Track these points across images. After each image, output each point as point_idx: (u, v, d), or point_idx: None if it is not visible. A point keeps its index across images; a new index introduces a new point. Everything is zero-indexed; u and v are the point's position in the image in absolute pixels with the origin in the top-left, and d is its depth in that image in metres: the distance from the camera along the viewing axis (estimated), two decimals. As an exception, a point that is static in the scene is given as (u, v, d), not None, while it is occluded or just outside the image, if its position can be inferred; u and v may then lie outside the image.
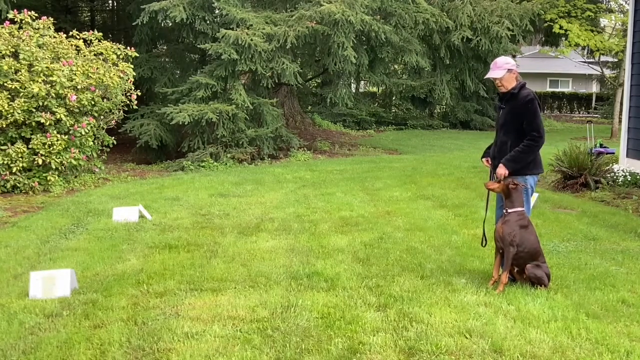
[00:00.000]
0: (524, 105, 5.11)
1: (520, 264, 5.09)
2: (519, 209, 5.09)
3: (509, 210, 5.08)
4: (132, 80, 11.73)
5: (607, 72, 29.71)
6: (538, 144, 5.12)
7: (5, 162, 9.69)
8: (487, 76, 5.29)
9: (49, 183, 10.03)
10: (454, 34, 18.48)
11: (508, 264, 5.03)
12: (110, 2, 25.47)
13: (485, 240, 5.49)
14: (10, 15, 10.70)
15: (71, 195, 9.79)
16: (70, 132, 10.22)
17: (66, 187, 10.37)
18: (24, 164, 9.85)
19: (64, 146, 10.09)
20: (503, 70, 5.16)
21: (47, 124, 9.92)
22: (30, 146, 9.93)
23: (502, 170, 5.17)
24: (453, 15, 18.35)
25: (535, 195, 8.94)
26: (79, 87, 10.29)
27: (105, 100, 11.04)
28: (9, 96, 9.88)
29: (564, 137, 20.62)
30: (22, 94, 9.86)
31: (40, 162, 9.87)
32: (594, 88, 43.13)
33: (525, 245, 5.04)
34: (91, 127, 10.63)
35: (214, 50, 13.67)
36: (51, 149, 9.94)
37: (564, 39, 24.77)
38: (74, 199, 9.35)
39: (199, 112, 13.32)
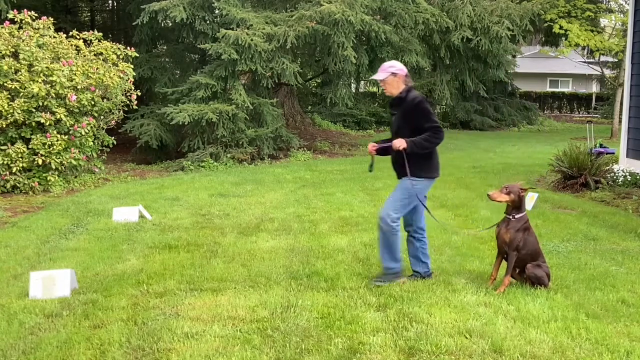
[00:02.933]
0: (413, 107, 5.04)
1: (521, 265, 5.09)
2: (523, 213, 5.09)
3: (516, 216, 5.06)
4: (132, 80, 11.73)
5: (607, 72, 29.69)
6: (439, 137, 4.97)
7: (5, 162, 9.69)
8: (371, 77, 5.25)
9: (49, 183, 10.02)
10: (454, 34, 18.45)
11: (510, 266, 5.03)
12: (110, 2, 25.47)
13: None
14: (10, 15, 10.70)
15: (71, 195, 9.79)
16: (70, 132, 10.22)
17: (66, 187, 10.36)
18: (24, 164, 9.85)
19: (64, 146, 10.08)
20: (386, 73, 5.10)
21: (47, 124, 9.92)
22: (30, 146, 9.92)
23: (402, 143, 4.97)
24: (453, 15, 18.33)
25: (535, 195, 8.94)
26: (79, 87, 10.29)
27: (105, 100, 11.04)
28: (9, 96, 9.88)
29: (564, 137, 20.62)
30: (22, 94, 9.86)
31: (40, 162, 9.87)
32: (594, 88, 43.09)
33: (528, 248, 5.04)
34: (91, 127, 10.63)
35: (214, 50, 13.67)
36: (51, 149, 9.94)
37: (564, 39, 24.74)
38: (74, 199, 9.35)
39: (199, 112, 13.31)
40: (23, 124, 10.01)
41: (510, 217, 5.08)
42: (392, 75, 5.10)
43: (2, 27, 10.52)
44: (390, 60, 5.37)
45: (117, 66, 11.34)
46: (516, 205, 5.08)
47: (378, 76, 5.17)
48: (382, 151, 5.36)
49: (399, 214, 5.11)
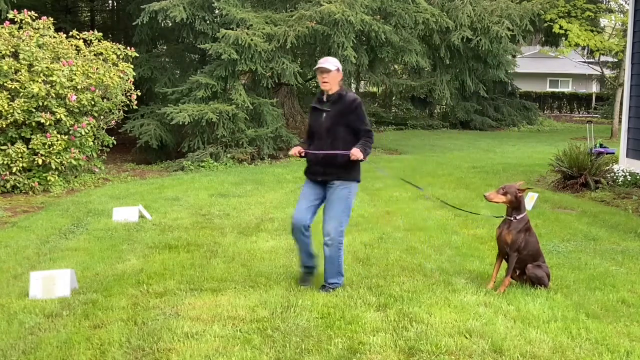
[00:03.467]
0: (354, 108, 5.04)
1: (522, 266, 5.09)
2: (524, 214, 5.08)
3: (517, 217, 5.06)
4: (132, 80, 11.72)
5: (607, 72, 29.69)
6: (373, 140, 5.12)
7: (5, 162, 9.69)
8: (318, 65, 5.06)
9: (49, 183, 10.02)
10: (454, 34, 18.45)
11: (511, 267, 5.03)
12: (110, 2, 25.46)
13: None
14: (10, 15, 10.70)
15: (71, 195, 9.79)
16: (70, 132, 10.22)
17: (66, 187, 10.36)
18: (24, 164, 9.85)
19: (64, 146, 10.08)
20: (334, 66, 5.03)
21: (47, 124, 9.92)
22: (30, 146, 9.92)
23: (359, 153, 4.90)
24: (453, 15, 18.32)
25: (535, 195, 8.95)
26: (79, 87, 10.29)
27: (105, 100, 11.04)
28: (9, 96, 9.88)
29: (564, 137, 20.63)
30: (22, 94, 9.86)
31: (40, 162, 9.87)
32: (594, 88, 43.10)
33: (529, 248, 5.03)
34: (91, 127, 10.63)
35: (214, 50, 13.67)
36: (51, 149, 9.94)
37: (564, 39, 24.74)
38: (73, 199, 9.35)
39: (199, 112, 13.31)
40: (23, 124, 10.01)
41: (512, 218, 5.06)
42: (337, 70, 5.05)
43: (2, 27, 10.51)
44: (333, 57, 5.25)
45: (117, 66, 11.34)
46: (514, 206, 5.05)
47: (329, 65, 5.02)
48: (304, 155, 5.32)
49: (344, 227, 5.07)
